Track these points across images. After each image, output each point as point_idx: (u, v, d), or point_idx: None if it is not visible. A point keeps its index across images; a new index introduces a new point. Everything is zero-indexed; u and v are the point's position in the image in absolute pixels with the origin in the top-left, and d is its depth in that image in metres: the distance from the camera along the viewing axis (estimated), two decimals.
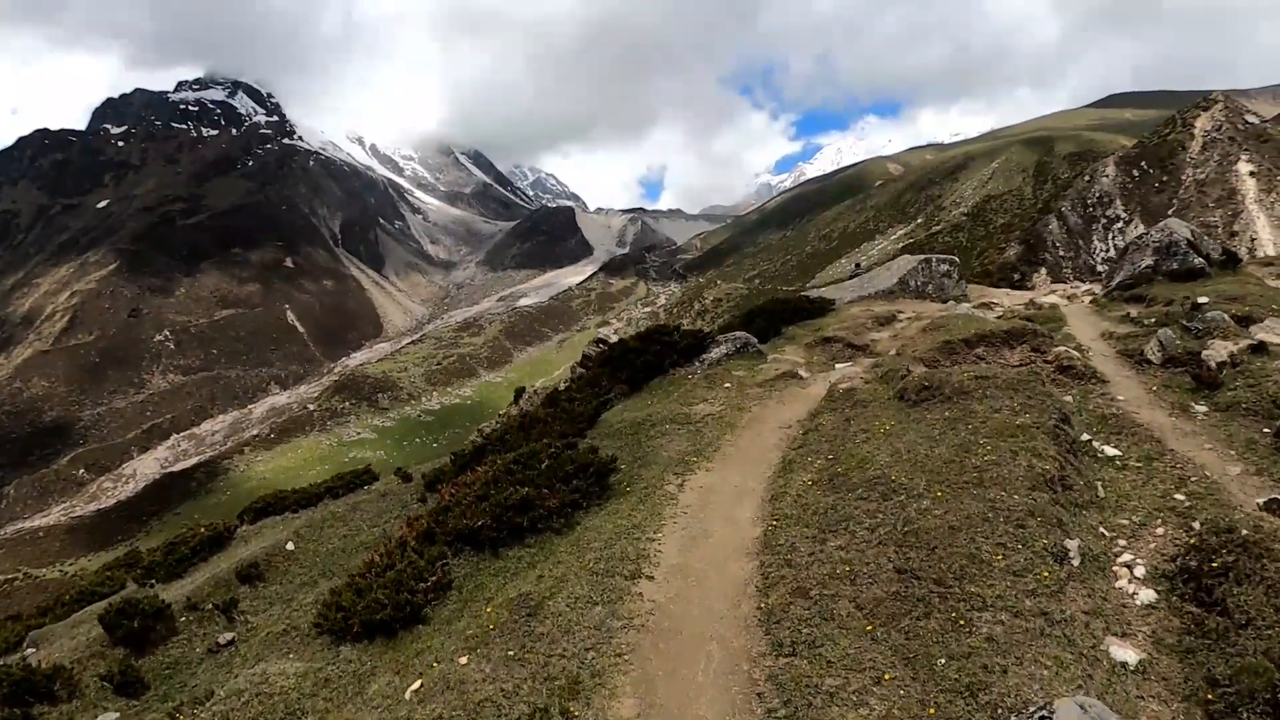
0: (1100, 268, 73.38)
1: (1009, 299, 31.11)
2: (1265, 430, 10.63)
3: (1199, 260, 23.36)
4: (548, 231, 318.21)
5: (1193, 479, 9.55)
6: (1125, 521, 8.76)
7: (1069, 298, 30.03)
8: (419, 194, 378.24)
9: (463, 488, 11.62)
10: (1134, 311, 20.42)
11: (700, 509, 9.70)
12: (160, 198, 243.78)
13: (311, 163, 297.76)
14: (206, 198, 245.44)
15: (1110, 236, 75.59)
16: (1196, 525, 8.40)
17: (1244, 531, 7.59)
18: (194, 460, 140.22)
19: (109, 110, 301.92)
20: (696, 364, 17.33)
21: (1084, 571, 7.42)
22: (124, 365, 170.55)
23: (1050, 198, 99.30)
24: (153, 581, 16.66)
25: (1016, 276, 74.02)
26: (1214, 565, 7.47)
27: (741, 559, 8.32)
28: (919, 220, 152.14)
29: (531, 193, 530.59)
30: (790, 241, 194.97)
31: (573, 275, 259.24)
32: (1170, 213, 70.44)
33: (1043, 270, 75.85)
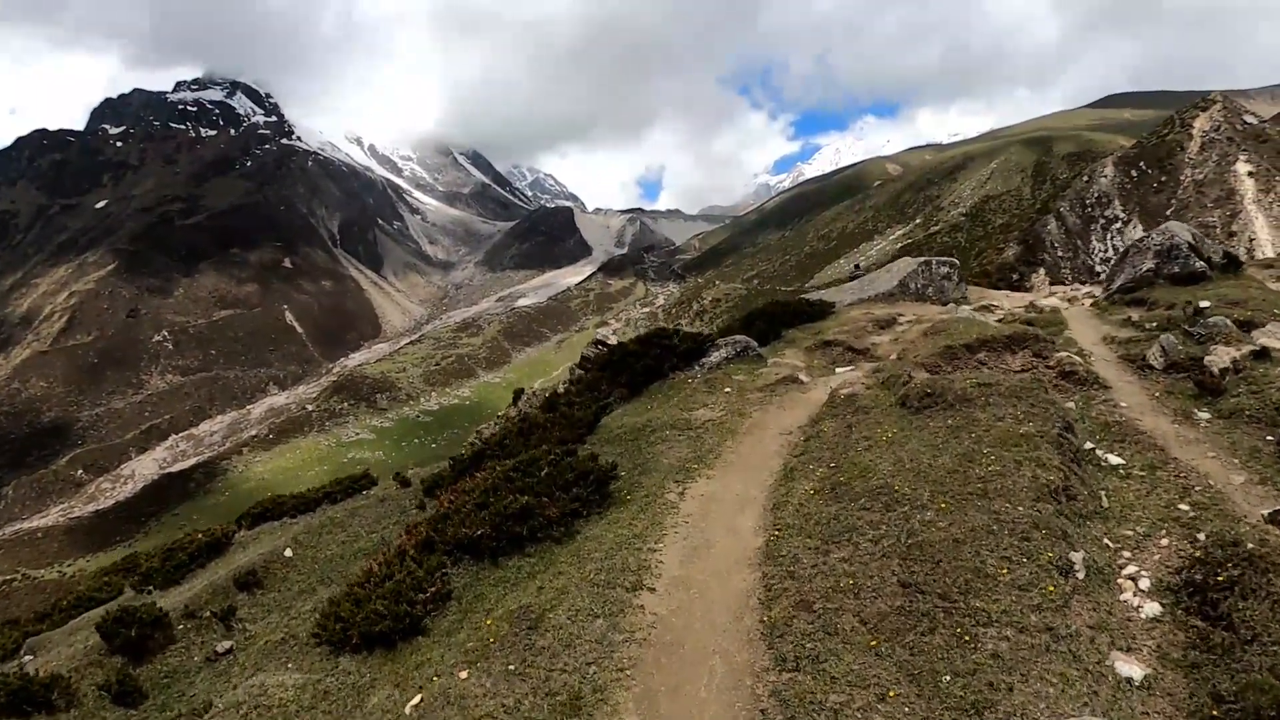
0: (1099, 268, 73.39)
1: (1009, 301, 31.08)
2: (1269, 438, 10.57)
3: (1200, 264, 23.31)
4: (546, 232, 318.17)
5: (1197, 488, 9.50)
6: (1129, 532, 8.70)
7: (1069, 300, 29.99)
8: (417, 194, 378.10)
9: (462, 495, 11.54)
10: (1135, 315, 20.37)
11: (701, 518, 9.63)
12: (159, 198, 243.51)
13: (310, 163, 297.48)
14: (205, 198, 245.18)
15: (1109, 237, 75.61)
16: (1201, 537, 8.35)
17: (1249, 545, 7.54)
18: (192, 461, 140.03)
19: (107, 110, 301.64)
20: (696, 368, 17.25)
21: (1089, 584, 7.37)
22: (122, 366, 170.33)
23: (1049, 198, 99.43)
24: (150, 588, 16.58)
25: (1015, 277, 74.02)
26: (1219, 579, 7.42)
27: (744, 570, 8.25)
28: (918, 220, 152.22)
29: (530, 193, 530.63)
30: (789, 242, 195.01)
31: (571, 276, 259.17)
32: (1169, 213, 70.47)
33: (1041, 270, 75.85)
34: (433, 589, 8.91)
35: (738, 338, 18.37)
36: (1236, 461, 10.33)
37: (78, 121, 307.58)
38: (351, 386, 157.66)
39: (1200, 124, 77.22)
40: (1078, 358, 14.82)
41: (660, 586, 8.12)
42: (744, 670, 6.71)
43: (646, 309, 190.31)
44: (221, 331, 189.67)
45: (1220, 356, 13.71)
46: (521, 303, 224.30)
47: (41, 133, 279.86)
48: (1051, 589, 6.86)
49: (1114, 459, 10.46)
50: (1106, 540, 8.45)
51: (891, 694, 5.95)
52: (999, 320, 21.27)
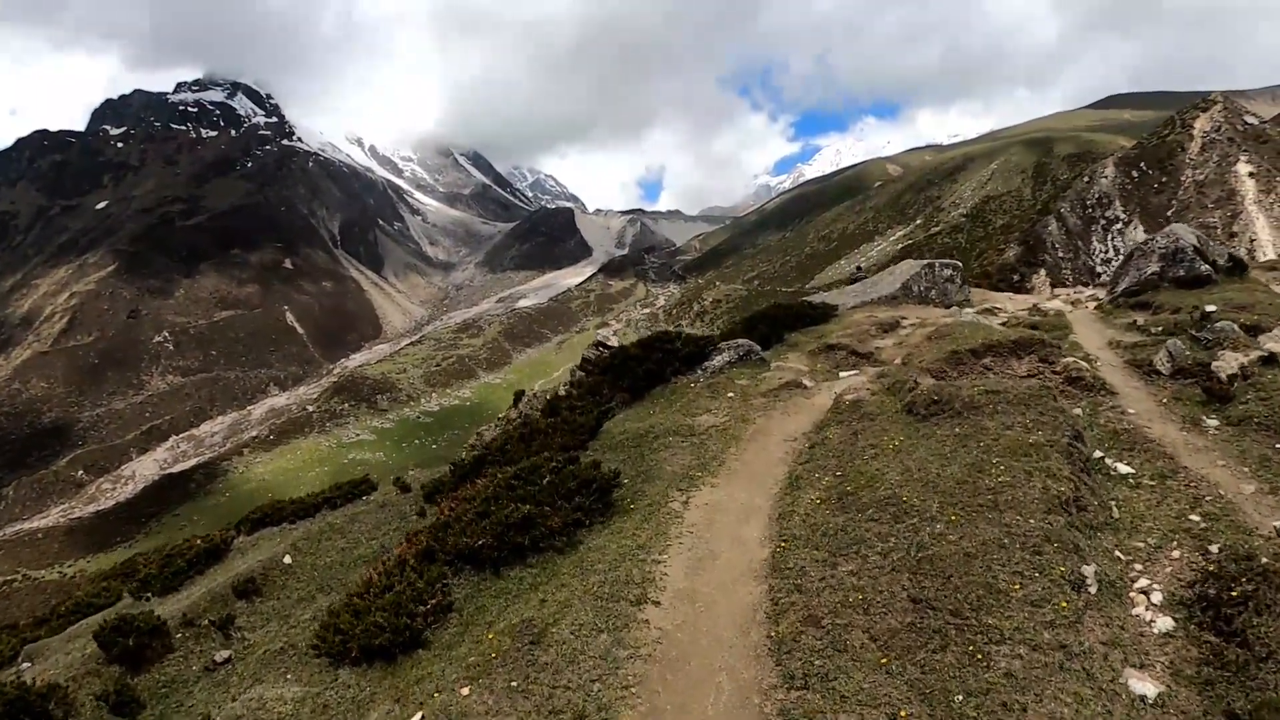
0: (1100, 269, 73.30)
1: (1012, 304, 30.93)
2: (1278, 447, 10.46)
3: (1205, 267, 23.15)
4: (547, 233, 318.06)
5: (1207, 498, 9.38)
6: (1141, 544, 8.58)
7: (1073, 303, 29.82)
8: (418, 195, 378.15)
9: (463, 503, 11.42)
10: (1140, 319, 20.23)
11: (706, 528, 9.49)
12: (159, 199, 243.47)
13: (311, 164, 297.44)
14: (206, 199, 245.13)
15: (1109, 238, 75.54)
16: (1213, 549, 8.23)
17: (1264, 559, 7.42)
18: (193, 462, 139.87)
19: (108, 111, 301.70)
20: (699, 372, 17.12)
21: (1101, 599, 7.25)
22: (123, 366, 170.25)
23: (1049, 199, 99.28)
24: (148, 595, 16.47)
25: (1016, 278, 73.91)
26: (1233, 594, 7.30)
27: (750, 582, 8.12)
28: (918, 221, 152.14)
29: (530, 194, 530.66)
30: (789, 243, 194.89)
31: (572, 276, 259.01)
32: (1169, 214, 70.38)
33: (1042, 271, 75.73)
34: (433, 601, 8.78)
35: (740, 341, 18.23)
36: (1246, 470, 10.21)
37: (78, 122, 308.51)
38: (352, 387, 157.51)
39: (1201, 124, 77.14)
40: (1084, 363, 14.68)
41: (665, 600, 7.99)
42: (751, 688, 6.58)
43: (647, 310, 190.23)
44: (222, 332, 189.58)
45: (1228, 362, 13.57)
46: (522, 304, 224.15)
47: (42, 133, 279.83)
48: (1064, 604, 6.74)
49: (1123, 468, 10.33)
50: (1118, 552, 8.33)
51: (903, 714, 5.82)
52: (1003, 324, 21.14)
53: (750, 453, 12.04)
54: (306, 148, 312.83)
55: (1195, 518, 8.95)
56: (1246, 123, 76.23)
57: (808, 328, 21.95)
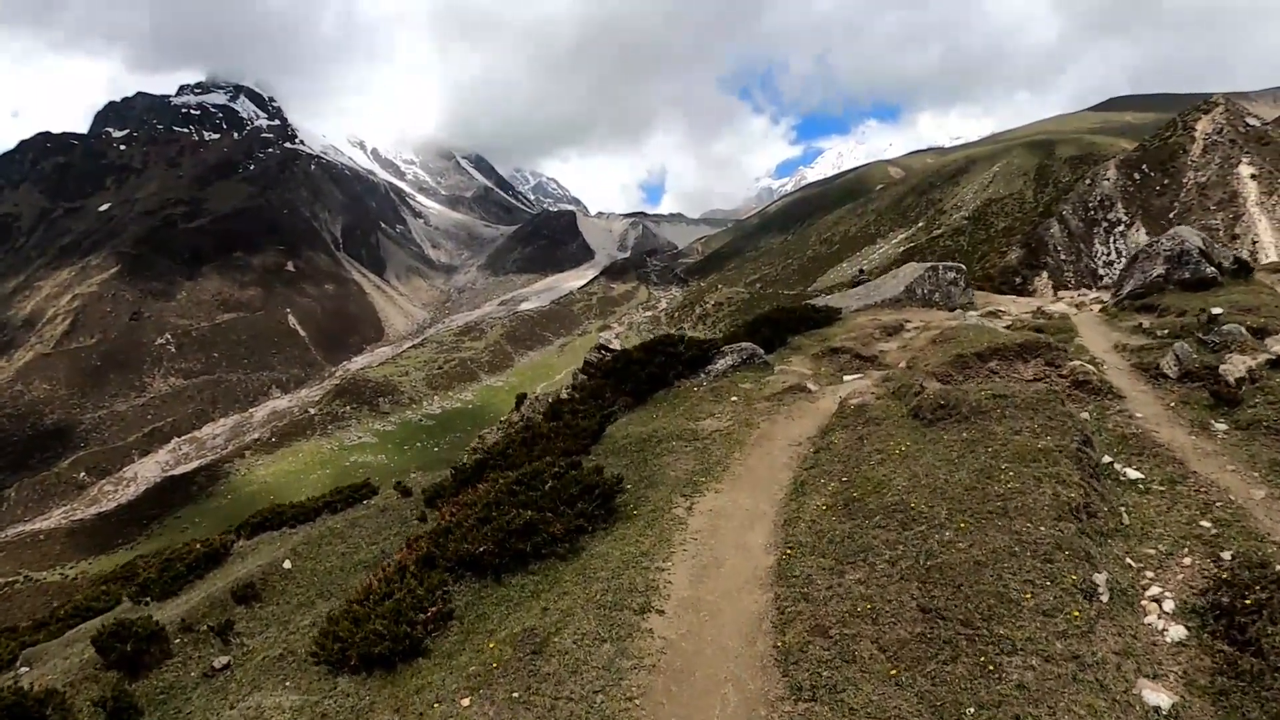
0: (1102, 271, 73.20)
1: (1016, 306, 30.80)
2: None
3: (1211, 269, 23.01)
4: (549, 236, 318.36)
5: (1218, 504, 9.27)
6: (1151, 551, 8.45)
7: (1077, 306, 29.68)
8: (420, 198, 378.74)
9: (464, 508, 11.30)
10: (1146, 322, 20.10)
11: (710, 535, 9.36)
12: (162, 201, 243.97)
13: (313, 167, 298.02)
14: (208, 201, 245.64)
15: (1111, 240, 75.45)
16: (1225, 556, 8.11)
17: (1278, 567, 7.30)
18: (195, 464, 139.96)
19: (111, 114, 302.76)
20: (702, 375, 17.00)
21: (1113, 608, 7.12)
22: (125, 368, 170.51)
23: (1051, 201, 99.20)
24: (147, 599, 16.37)
25: (1018, 280, 73.81)
26: (1247, 602, 7.17)
27: (755, 591, 7.98)
28: (920, 224, 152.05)
29: (532, 197, 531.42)
30: (791, 245, 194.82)
31: (574, 279, 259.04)
32: (1171, 216, 70.28)
33: (1044, 274, 75.63)
34: (433, 609, 8.66)
35: (743, 345, 18.11)
36: (1256, 475, 10.09)
37: (81, 124, 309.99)
38: (354, 390, 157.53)
39: (1203, 126, 77.07)
40: (1091, 367, 14.56)
41: (669, 608, 7.85)
42: (757, 700, 6.44)
43: (649, 313, 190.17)
44: (224, 335, 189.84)
45: (1235, 365, 13.44)
46: (524, 306, 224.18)
47: (45, 136, 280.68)
48: (1076, 614, 6.61)
49: (1132, 473, 10.21)
50: (1129, 560, 8.21)
51: None
52: (1007, 327, 21.00)
53: (754, 458, 11.91)
54: (309, 151, 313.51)
55: (1206, 524, 8.84)
56: (1248, 125, 76.12)
57: (811, 331, 21.82)
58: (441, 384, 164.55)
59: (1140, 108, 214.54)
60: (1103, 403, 13.06)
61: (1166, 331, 18.00)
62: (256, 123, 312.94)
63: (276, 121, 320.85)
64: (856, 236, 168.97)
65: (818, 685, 6.30)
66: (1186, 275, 23.09)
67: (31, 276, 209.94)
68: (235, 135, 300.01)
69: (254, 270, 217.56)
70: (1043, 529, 7.51)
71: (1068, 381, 13.96)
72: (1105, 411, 12.63)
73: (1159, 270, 23.89)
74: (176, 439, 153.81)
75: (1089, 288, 59.64)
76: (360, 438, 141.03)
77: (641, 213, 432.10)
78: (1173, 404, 13.06)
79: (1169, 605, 7.61)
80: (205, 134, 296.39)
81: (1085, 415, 12.12)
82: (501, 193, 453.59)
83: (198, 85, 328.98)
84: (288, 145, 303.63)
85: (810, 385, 15.73)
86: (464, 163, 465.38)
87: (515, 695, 6.80)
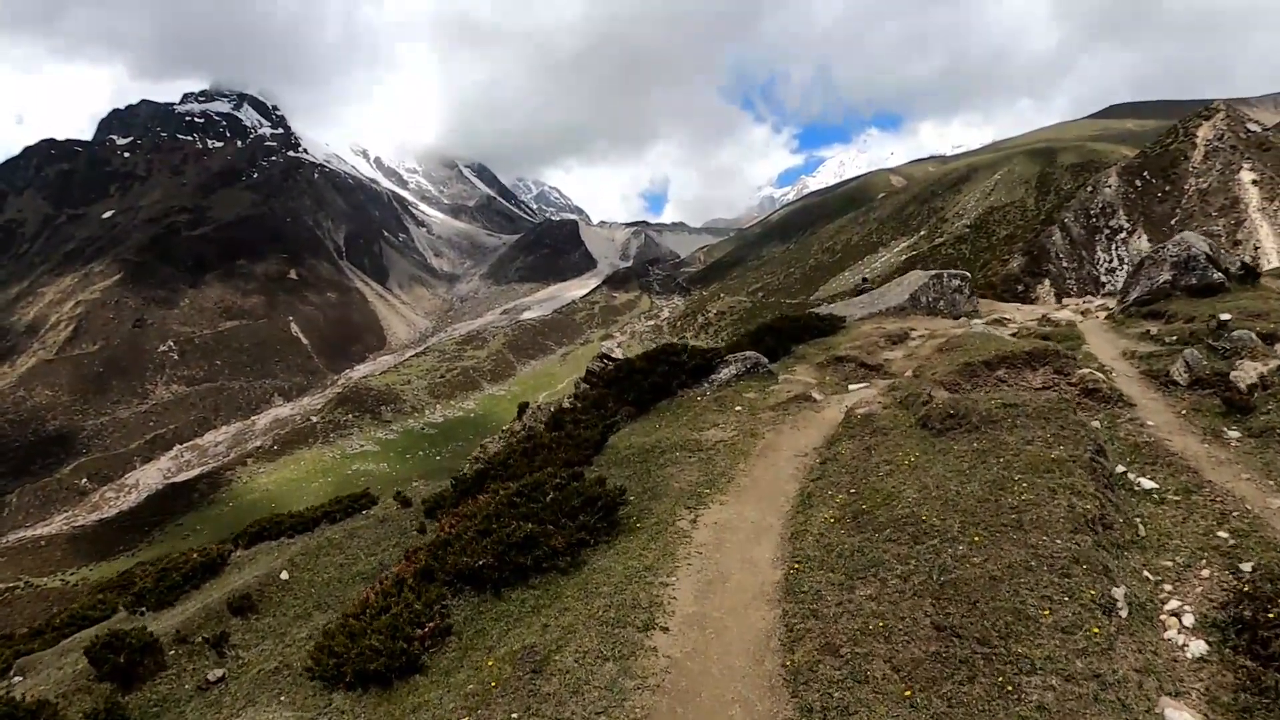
0: (1104, 279, 73.01)
1: (1020, 314, 30.55)
2: None
3: (1218, 275, 22.79)
4: (551, 245, 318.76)
5: (1234, 514, 9.04)
6: (1169, 563, 8.22)
7: (1082, 313, 29.45)
8: (423, 207, 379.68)
9: (463, 520, 11.07)
10: (1153, 329, 19.87)
11: (715, 548, 9.11)
12: (165, 209, 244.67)
13: (316, 175, 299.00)
14: (211, 209, 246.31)
15: (1113, 247, 75.27)
16: (1245, 568, 7.88)
17: None
18: (197, 471, 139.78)
19: (115, 121, 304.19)
20: (705, 385, 16.80)
21: (1132, 623, 6.89)
22: (127, 375, 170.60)
23: (1053, 209, 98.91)
24: (143, 609, 16.15)
25: (1020, 288, 73.60)
26: (1269, 615, 6.96)
27: (762, 607, 7.73)
28: (922, 232, 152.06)
29: (535, 206, 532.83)
30: (793, 254, 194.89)
31: (576, 288, 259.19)
32: (1173, 222, 70.16)
33: (1046, 282, 75.37)
34: (431, 624, 8.42)
35: (747, 354, 17.91)
36: (1272, 484, 9.87)
37: (85, 132, 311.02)
38: (356, 398, 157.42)
39: (1204, 133, 76.98)
40: (1100, 374, 14.32)
41: (674, 625, 7.60)
42: None
43: (651, 322, 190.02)
44: (227, 342, 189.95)
45: (1247, 372, 13.20)
46: (526, 315, 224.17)
47: (49, 142, 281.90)
48: (1096, 630, 6.38)
49: (1147, 483, 9.98)
50: (1146, 572, 7.98)
51: None
52: (1013, 335, 20.78)
53: (760, 469, 11.67)
54: (312, 159, 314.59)
55: (1223, 534, 8.62)
56: (1249, 130, 76.02)
57: (815, 339, 21.62)
58: (444, 393, 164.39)
59: (1141, 115, 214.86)
60: (1113, 411, 12.83)
61: (1175, 338, 17.78)
62: (260, 131, 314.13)
63: (280, 130, 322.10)
64: (858, 245, 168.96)
65: (829, 707, 6.06)
66: (1193, 281, 22.87)
67: (35, 283, 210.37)
68: (239, 143, 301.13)
69: (257, 278, 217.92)
70: (1059, 542, 7.27)
71: (1077, 390, 13.72)
72: (1116, 420, 12.39)
73: (1166, 276, 23.68)
74: (178, 446, 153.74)
75: (1092, 295, 59.47)
76: (362, 446, 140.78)
77: (643, 222, 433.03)
78: (1184, 411, 12.83)
79: (1189, 619, 7.38)
80: (209, 142, 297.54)
81: (1096, 424, 11.89)
82: (504, 202, 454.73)
83: (201, 93, 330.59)
84: (291, 154, 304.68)
85: (815, 394, 15.51)
86: (466, 172, 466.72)
87: (514, 717, 6.56)
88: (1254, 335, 15.63)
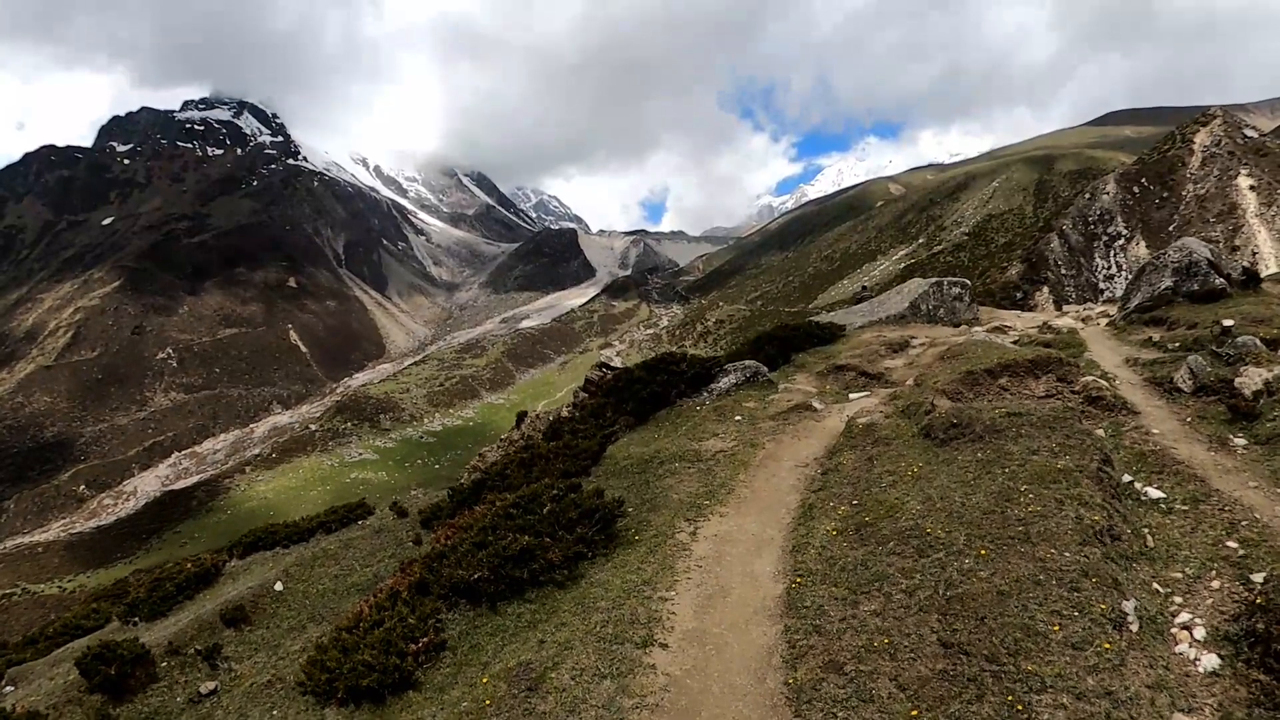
0: (1102, 285, 73.08)
1: (1021, 321, 30.42)
2: None
3: (1220, 280, 22.66)
4: (550, 253, 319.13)
5: (1243, 523, 8.88)
6: (1178, 575, 8.06)
7: (1083, 320, 29.30)
8: (422, 215, 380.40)
9: (460, 531, 10.90)
10: (1156, 335, 19.75)
11: (715, 561, 8.93)
12: (165, 216, 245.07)
13: (316, 183, 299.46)
14: (211, 217, 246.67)
15: (1112, 254, 75.41)
16: (1257, 579, 7.72)
17: None
18: (195, 479, 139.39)
19: (115, 128, 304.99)
20: (705, 394, 16.66)
21: (1143, 637, 6.73)
22: (126, 382, 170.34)
23: (1051, 216, 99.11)
24: (136, 619, 15.98)
25: (1019, 295, 73.69)
26: None
27: (764, 622, 7.54)
28: (920, 240, 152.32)
29: (534, 214, 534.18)
30: (792, 262, 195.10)
31: (575, 297, 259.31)
32: (1171, 229, 70.30)
33: (1045, 289, 75.44)
34: (425, 639, 8.24)
35: (747, 363, 17.79)
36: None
37: (85, 138, 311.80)
38: (355, 406, 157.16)
39: (1201, 139, 77.20)
40: (1103, 382, 14.18)
41: (673, 641, 7.41)
42: None
43: (650, 330, 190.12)
44: (226, 350, 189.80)
45: (1252, 378, 13.06)
46: (525, 324, 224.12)
47: (49, 149, 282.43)
48: (1107, 646, 6.21)
49: (1154, 492, 9.83)
50: (1155, 585, 7.81)
51: None
52: (1015, 342, 20.65)
53: (760, 480, 11.50)
54: (312, 167, 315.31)
55: (1233, 544, 8.46)
56: (1246, 136, 76.24)
57: (815, 348, 21.48)
58: (443, 401, 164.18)
59: (1139, 121, 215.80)
60: (1117, 419, 12.68)
61: (1178, 345, 17.65)
62: (260, 139, 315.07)
63: (280, 138, 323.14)
64: (857, 253, 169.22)
65: None
66: (1195, 287, 22.74)
67: (34, 289, 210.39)
68: (239, 151, 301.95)
69: (256, 286, 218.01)
70: (1067, 555, 7.11)
71: (1081, 398, 13.58)
72: (1121, 428, 12.25)
73: (1167, 282, 23.55)
74: (177, 453, 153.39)
75: (1091, 301, 59.41)
76: (361, 454, 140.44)
77: (642, 230, 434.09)
78: (1189, 419, 12.70)
79: (1200, 633, 7.22)
80: (209, 149, 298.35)
81: (1100, 432, 11.75)
82: (503, 210, 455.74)
83: (202, 101, 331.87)
84: (291, 161, 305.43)
85: (816, 404, 15.36)
86: (466, 180, 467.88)
87: None
88: (1258, 341, 15.49)
